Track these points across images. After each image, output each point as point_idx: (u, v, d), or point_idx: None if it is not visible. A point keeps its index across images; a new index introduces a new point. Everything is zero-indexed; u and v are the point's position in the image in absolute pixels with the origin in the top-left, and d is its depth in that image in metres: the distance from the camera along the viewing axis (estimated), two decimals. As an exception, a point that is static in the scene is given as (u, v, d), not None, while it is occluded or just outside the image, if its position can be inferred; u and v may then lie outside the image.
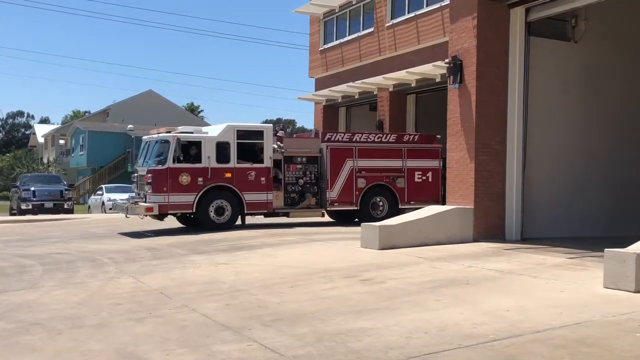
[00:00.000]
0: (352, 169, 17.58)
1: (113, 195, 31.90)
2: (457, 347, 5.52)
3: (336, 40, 26.12)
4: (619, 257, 7.78)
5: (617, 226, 13.90)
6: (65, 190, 30.46)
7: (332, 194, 17.40)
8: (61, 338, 6.26)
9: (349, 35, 25.31)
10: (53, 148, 63.82)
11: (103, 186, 35.22)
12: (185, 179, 15.75)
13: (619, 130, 14.59)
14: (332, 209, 17.71)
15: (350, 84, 23.36)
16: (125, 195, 31.87)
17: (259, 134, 16.92)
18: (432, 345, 5.60)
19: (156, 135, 16.72)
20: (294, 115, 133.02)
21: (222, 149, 16.25)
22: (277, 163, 17.07)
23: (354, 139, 17.93)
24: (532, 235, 13.18)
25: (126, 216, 16.91)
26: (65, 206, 29.23)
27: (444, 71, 14.63)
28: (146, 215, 16.22)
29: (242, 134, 16.67)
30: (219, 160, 16.15)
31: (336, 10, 25.90)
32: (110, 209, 18.83)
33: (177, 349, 5.75)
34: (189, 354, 5.61)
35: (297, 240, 13.62)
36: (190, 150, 16.01)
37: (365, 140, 18.06)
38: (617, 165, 14.51)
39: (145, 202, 16.04)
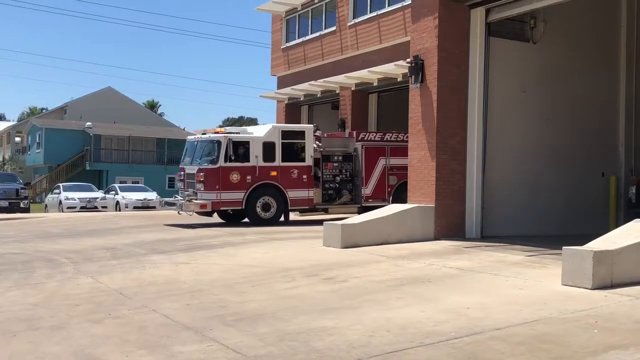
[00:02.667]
0: (384, 167, 18.67)
1: (71, 194, 31.44)
2: (419, 345, 5.55)
3: (298, 38, 26.09)
4: (577, 255, 7.92)
5: (573, 224, 14.17)
6: (21, 188, 29.71)
7: (367, 190, 18.46)
8: (16, 340, 6.10)
9: (311, 33, 25.30)
10: (9, 145, 62.48)
11: (60, 185, 34.65)
12: (235, 177, 16.75)
13: (575, 130, 14.86)
14: (367, 204, 18.27)
15: (313, 82, 23.36)
16: (83, 194, 31.72)
17: (301, 134, 18.01)
18: (394, 343, 5.62)
19: (206, 136, 17.62)
20: (256, 114, 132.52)
21: (268, 149, 17.27)
22: (315, 161, 18.01)
23: (385, 138, 18.89)
24: (492, 233, 13.35)
25: (178, 213, 17.56)
26: (21, 205, 28.51)
27: (406, 71, 14.71)
28: (197, 212, 17.05)
29: (286, 134, 17.72)
30: (265, 159, 17.17)
31: (298, 9, 25.86)
32: (162, 206, 19.29)
33: (136, 350, 5.65)
34: (149, 355, 5.52)
35: (259, 240, 13.56)
36: (238, 150, 16.82)
37: (395, 139, 18.97)
38: (572, 165, 14.79)
39: (197, 199, 16.79)
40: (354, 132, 19.28)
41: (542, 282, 8.31)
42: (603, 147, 15.41)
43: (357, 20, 22.42)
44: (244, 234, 14.53)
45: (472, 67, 13.26)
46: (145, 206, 30.76)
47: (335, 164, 18.50)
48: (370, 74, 20.63)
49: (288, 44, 26.68)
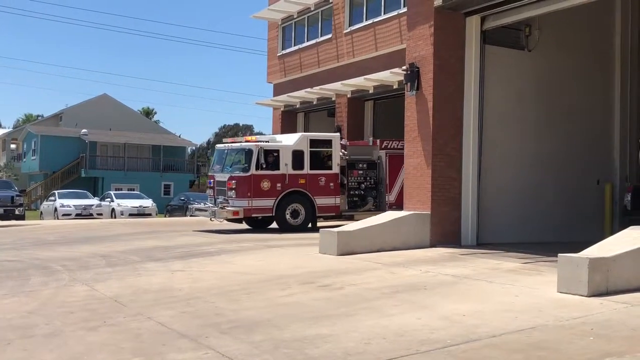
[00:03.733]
0: None
1: (66, 202, 31.37)
2: (415, 353, 5.55)
3: (294, 46, 26.13)
4: (572, 262, 7.93)
5: (568, 231, 14.20)
6: (17, 196, 29.55)
7: (391, 197, 18.68)
8: (11, 348, 6.07)
9: (307, 41, 25.34)
10: (4, 153, 62.32)
11: (56, 192, 34.56)
12: (266, 184, 17.18)
13: (570, 136, 14.91)
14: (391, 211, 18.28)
15: (309, 89, 23.39)
16: (78, 201, 31.67)
17: (328, 142, 18.43)
18: (390, 351, 5.61)
19: (237, 145, 18.06)
20: (251, 121, 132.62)
21: (297, 157, 17.72)
22: (341, 169, 18.36)
23: None
24: (487, 240, 13.36)
25: (210, 219, 17.94)
26: (17, 212, 28.34)
27: (402, 78, 14.75)
28: (228, 219, 17.42)
29: (314, 142, 18.18)
30: (294, 167, 17.63)
31: (294, 16, 25.91)
32: (192, 215, 19.52)
33: (132, 358, 5.64)
34: (144, 363, 5.51)
35: (255, 247, 13.55)
36: (269, 158, 17.22)
37: None
38: (567, 172, 14.81)
39: (229, 206, 17.20)
40: (378, 140, 19.46)
41: (537, 289, 8.31)
42: (598, 154, 15.45)
43: (353, 28, 22.47)
44: (240, 241, 14.51)
45: (467, 75, 13.30)
46: (140, 213, 30.75)
47: (360, 172, 18.82)
48: (366, 82, 20.67)
49: (284, 52, 26.72)
